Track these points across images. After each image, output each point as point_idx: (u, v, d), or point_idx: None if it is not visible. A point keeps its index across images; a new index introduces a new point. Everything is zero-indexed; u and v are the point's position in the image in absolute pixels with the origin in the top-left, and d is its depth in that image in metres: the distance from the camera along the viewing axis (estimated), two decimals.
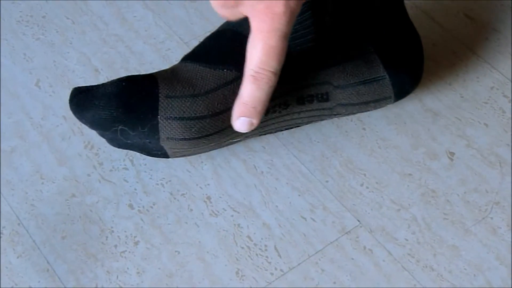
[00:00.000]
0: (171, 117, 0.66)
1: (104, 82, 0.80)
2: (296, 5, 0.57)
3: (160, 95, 0.66)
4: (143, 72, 0.80)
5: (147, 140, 0.67)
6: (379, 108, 0.73)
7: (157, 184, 0.72)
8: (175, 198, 0.71)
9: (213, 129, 0.67)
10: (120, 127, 0.66)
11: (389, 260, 0.67)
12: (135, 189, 0.72)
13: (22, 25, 0.86)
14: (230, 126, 0.67)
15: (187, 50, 0.82)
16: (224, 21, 0.70)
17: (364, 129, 0.76)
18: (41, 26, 0.86)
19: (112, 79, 0.79)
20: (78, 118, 0.67)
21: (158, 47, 0.83)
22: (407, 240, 0.68)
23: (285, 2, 0.56)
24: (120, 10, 0.87)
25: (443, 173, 0.72)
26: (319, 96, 0.69)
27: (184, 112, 0.66)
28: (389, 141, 0.75)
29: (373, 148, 0.74)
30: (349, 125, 0.76)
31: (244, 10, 0.58)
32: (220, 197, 0.71)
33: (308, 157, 0.74)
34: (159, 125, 0.66)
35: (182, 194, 0.71)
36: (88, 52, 0.83)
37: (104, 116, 0.66)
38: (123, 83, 0.67)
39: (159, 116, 0.66)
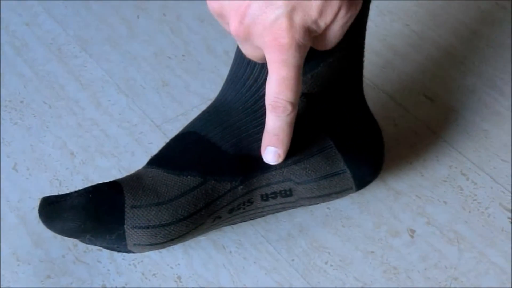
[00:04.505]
0: (137, 226, 0.68)
1: (78, 165, 0.83)
2: (302, 37, 0.58)
3: (126, 205, 0.68)
4: (117, 156, 0.84)
5: (115, 246, 0.70)
6: (341, 197, 0.76)
7: (130, 265, 0.74)
8: (146, 278, 0.73)
9: (178, 234, 0.69)
10: (88, 236, 0.69)
11: None
12: (108, 270, 0.74)
13: (1, 110, 0.89)
14: (194, 228, 0.70)
15: (159, 133, 0.86)
16: (190, 119, 0.72)
17: (328, 208, 0.79)
18: (19, 110, 0.89)
19: (87, 162, 0.83)
20: (47, 227, 0.69)
21: (131, 131, 0.86)
22: None
23: (290, 34, 0.58)
24: (96, 94, 0.91)
25: (404, 250, 0.75)
26: (283, 192, 0.72)
27: (149, 221, 0.68)
28: (352, 219, 0.78)
29: (337, 227, 0.77)
30: (314, 204, 0.79)
31: (256, 43, 0.60)
32: (190, 276, 0.74)
33: (275, 236, 0.76)
34: (126, 233, 0.68)
35: (154, 274, 0.74)
36: (64, 136, 0.86)
37: (73, 227, 0.67)
38: (90, 195, 0.68)
39: (125, 226, 0.68)
